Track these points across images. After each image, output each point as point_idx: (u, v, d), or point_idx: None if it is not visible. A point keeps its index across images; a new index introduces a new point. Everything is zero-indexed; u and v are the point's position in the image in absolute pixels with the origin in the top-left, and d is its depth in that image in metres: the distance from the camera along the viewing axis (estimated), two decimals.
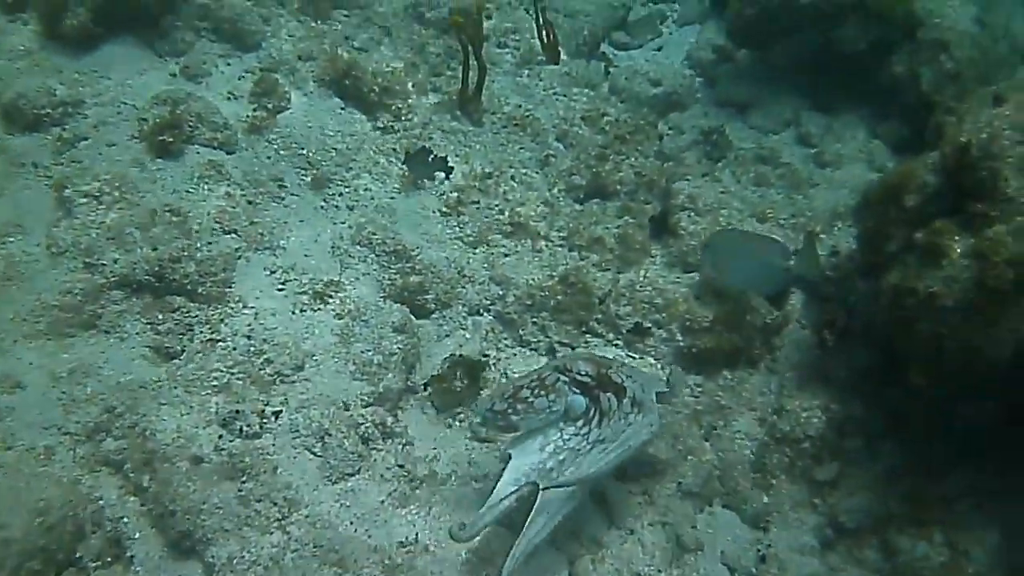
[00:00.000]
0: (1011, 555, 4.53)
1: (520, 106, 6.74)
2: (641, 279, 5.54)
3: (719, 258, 5.22)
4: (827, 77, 7.94)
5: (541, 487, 4.18)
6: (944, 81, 7.33)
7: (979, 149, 4.21)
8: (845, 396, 4.99)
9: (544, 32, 7.20)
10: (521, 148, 6.48)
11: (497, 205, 5.95)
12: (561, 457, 4.28)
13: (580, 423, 4.35)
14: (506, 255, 5.77)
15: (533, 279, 5.55)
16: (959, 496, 4.72)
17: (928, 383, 4.37)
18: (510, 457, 4.33)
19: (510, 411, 4.28)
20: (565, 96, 6.98)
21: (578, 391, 4.35)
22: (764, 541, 4.79)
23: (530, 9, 7.36)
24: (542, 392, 4.29)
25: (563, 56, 7.33)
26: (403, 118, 6.35)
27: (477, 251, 5.77)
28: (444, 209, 5.90)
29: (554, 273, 5.57)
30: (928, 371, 4.35)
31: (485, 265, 5.69)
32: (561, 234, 5.94)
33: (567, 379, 4.36)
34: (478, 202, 5.94)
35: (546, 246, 5.86)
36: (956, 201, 4.34)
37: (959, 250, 4.14)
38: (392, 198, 5.88)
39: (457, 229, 5.83)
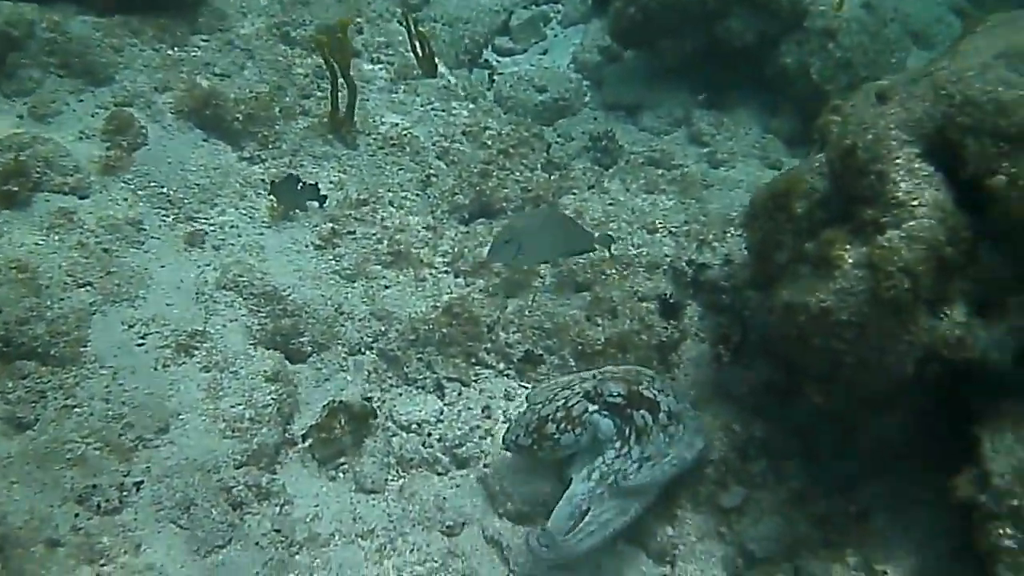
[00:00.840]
0: (929, 562, 4.35)
1: (397, 125, 6.41)
2: (530, 303, 5.26)
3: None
4: (717, 73, 7.77)
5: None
6: (834, 70, 7.22)
7: (865, 151, 3.98)
8: (746, 415, 4.75)
9: (418, 44, 6.88)
10: (400, 169, 6.15)
11: (375, 234, 5.61)
12: (609, 481, 4.17)
13: (619, 444, 4.25)
14: (387, 287, 5.44)
15: (416, 311, 5.23)
16: (872, 510, 4.52)
17: (827, 401, 4.14)
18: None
19: (535, 447, 4.28)
20: (444, 111, 6.66)
21: (607, 413, 4.26)
22: None
23: (403, 21, 7.03)
24: (568, 426, 4.23)
25: (440, 68, 7.01)
26: (271, 146, 5.98)
27: (355, 285, 5.42)
28: (318, 242, 5.54)
29: (438, 303, 5.26)
30: (826, 389, 4.12)
31: (364, 300, 5.35)
32: (445, 260, 5.64)
33: (597, 406, 4.27)
34: (354, 232, 5.59)
35: (430, 274, 5.55)
36: (845, 207, 4.12)
37: (851, 260, 3.90)
38: (261, 234, 5.50)
39: (333, 263, 5.47)
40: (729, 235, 5.63)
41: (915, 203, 3.82)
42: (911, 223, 3.80)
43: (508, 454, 4.62)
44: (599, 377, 4.51)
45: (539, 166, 6.49)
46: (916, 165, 3.89)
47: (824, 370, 4.05)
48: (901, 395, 4.12)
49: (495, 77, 8.14)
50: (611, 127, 7.52)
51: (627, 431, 4.26)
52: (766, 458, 4.65)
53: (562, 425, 4.23)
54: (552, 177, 6.32)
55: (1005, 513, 3.88)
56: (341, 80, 6.02)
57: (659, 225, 5.80)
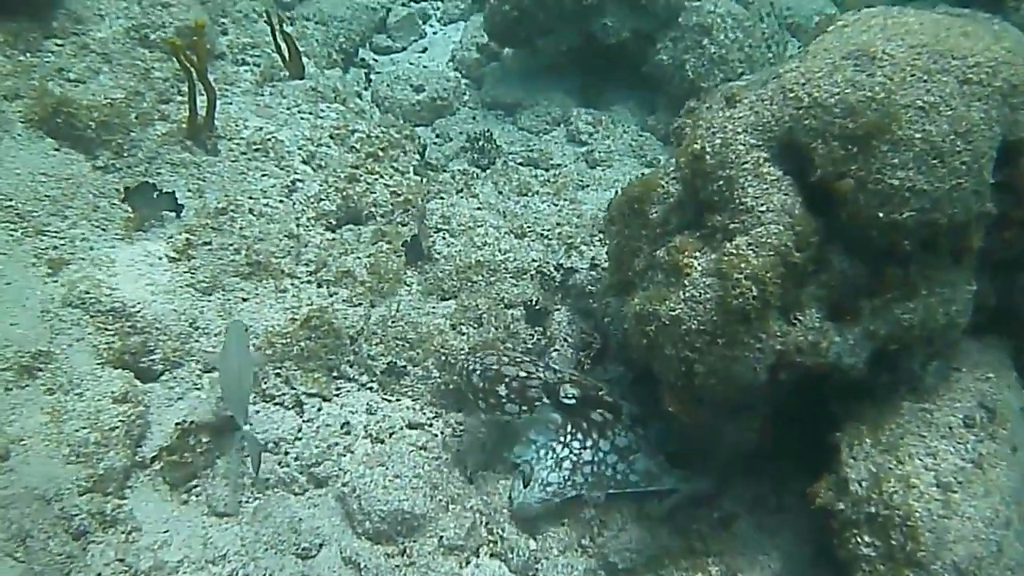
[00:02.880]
0: (792, 568, 4.35)
1: (261, 129, 6.19)
2: (393, 313, 5.13)
3: None
4: (594, 71, 7.71)
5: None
6: (710, 67, 7.20)
7: (714, 156, 3.94)
8: None
9: (284, 45, 6.67)
10: (263, 175, 5.94)
11: (232, 245, 5.40)
12: (587, 470, 4.52)
13: (581, 438, 4.56)
14: (244, 300, 5.25)
15: (274, 324, 5.06)
16: (736, 517, 4.51)
17: (683, 409, 4.09)
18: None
19: (479, 399, 4.55)
20: (311, 114, 6.47)
21: (557, 412, 4.57)
22: None
23: (267, 20, 6.82)
24: (517, 400, 4.50)
25: (310, 68, 6.82)
26: (126, 154, 5.73)
27: (211, 299, 5.22)
28: (172, 254, 5.31)
29: (296, 316, 5.10)
30: (681, 396, 4.07)
31: (221, 314, 5.15)
32: (309, 269, 5.47)
33: (550, 402, 4.54)
34: (210, 243, 5.38)
35: (291, 285, 5.37)
36: (697, 213, 4.07)
37: (700, 268, 3.86)
38: (113, 247, 5.26)
39: (188, 276, 5.24)
40: (598, 238, 5.57)
41: (763, 209, 3.79)
42: (758, 229, 3.77)
43: (368, 469, 4.54)
44: (560, 376, 4.66)
45: (411, 169, 6.36)
46: (764, 170, 3.85)
47: (678, 378, 3.99)
48: (757, 401, 4.10)
49: (372, 76, 7.97)
50: (489, 127, 7.42)
51: (586, 427, 4.56)
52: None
53: (513, 396, 4.49)
54: (423, 180, 6.16)
55: (863, 520, 3.89)
56: (200, 84, 5.80)
57: (528, 229, 5.71)
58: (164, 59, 6.32)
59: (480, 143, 7.14)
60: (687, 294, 3.85)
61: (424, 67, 8.24)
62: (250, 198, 5.73)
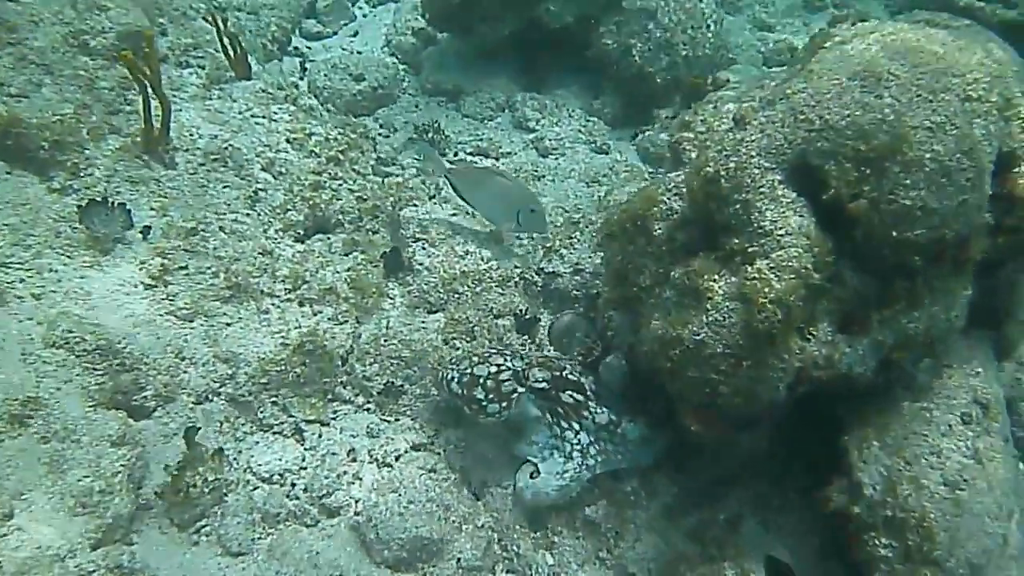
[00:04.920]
0: (800, 564, 4.49)
1: (216, 137, 5.98)
2: (384, 330, 5.08)
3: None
4: (538, 55, 7.66)
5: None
6: (656, 51, 7.23)
7: (729, 180, 3.97)
8: None
9: (228, 43, 6.45)
10: (225, 187, 5.76)
11: (210, 267, 5.25)
12: (592, 451, 4.63)
13: (565, 426, 4.65)
14: (228, 324, 5.12)
15: (265, 351, 4.96)
16: (742, 517, 4.63)
17: (704, 427, 4.18)
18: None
19: (464, 406, 4.65)
20: (264, 117, 6.26)
21: (532, 397, 4.62)
22: None
23: (209, 18, 6.57)
24: (495, 398, 4.56)
25: (255, 67, 6.61)
26: (82, 174, 5.47)
27: (195, 326, 5.07)
28: (148, 280, 5.13)
29: (287, 340, 5.00)
30: (703, 416, 4.15)
31: (206, 341, 5.01)
32: (286, 286, 5.36)
33: (524, 389, 4.59)
34: (187, 266, 5.22)
35: (272, 305, 5.26)
36: (710, 233, 4.12)
37: (722, 292, 3.92)
38: (83, 277, 5.05)
39: (167, 303, 5.08)
40: (575, 240, 5.58)
41: (781, 232, 3.85)
42: (779, 253, 3.83)
43: (381, 497, 4.53)
44: (527, 361, 4.74)
45: (370, 169, 6.27)
46: (780, 192, 3.91)
47: (701, 399, 4.07)
48: (770, 413, 4.21)
49: (307, 65, 7.76)
50: (434, 116, 7.33)
51: (564, 412, 4.64)
52: (636, 476, 4.69)
53: (491, 395, 4.56)
54: (390, 187, 6.05)
55: (880, 523, 4.05)
56: (154, 95, 5.58)
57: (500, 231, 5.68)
58: (107, 66, 6.03)
59: (429, 134, 7.06)
60: (710, 318, 3.91)
61: (358, 53, 8.05)
62: (216, 213, 5.56)
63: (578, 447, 4.61)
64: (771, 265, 3.83)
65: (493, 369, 4.65)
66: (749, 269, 3.86)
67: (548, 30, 7.39)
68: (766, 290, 3.79)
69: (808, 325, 3.94)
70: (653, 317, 4.19)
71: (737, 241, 3.94)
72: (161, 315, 5.05)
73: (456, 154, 7.03)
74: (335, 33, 8.39)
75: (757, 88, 4.54)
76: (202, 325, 5.08)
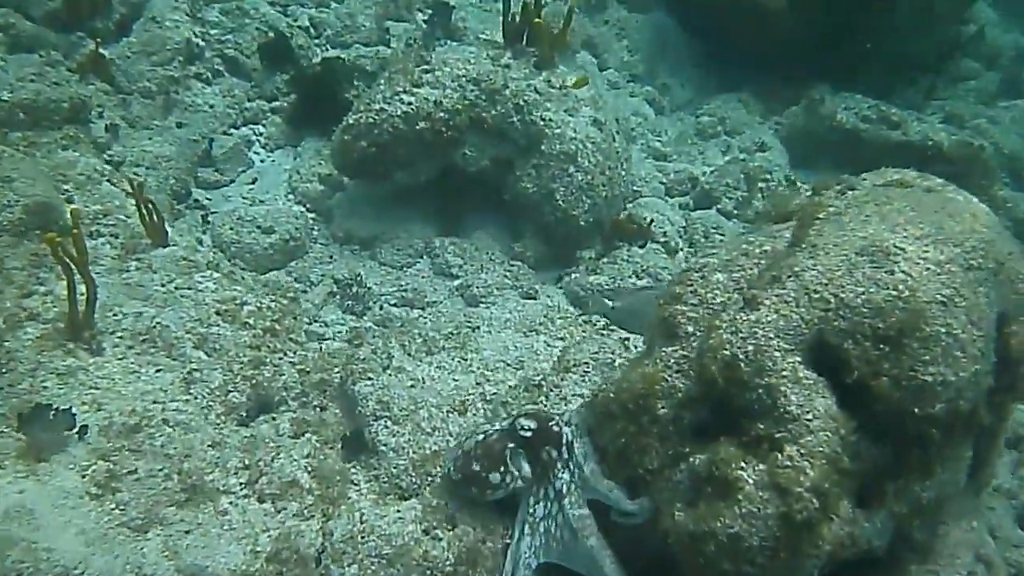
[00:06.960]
0: None
1: (141, 315, 5.55)
2: (359, 526, 4.73)
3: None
4: (450, 197, 7.52)
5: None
6: (578, 194, 7.19)
7: (749, 364, 3.88)
8: None
9: (142, 208, 6.04)
10: (158, 371, 5.32)
11: (161, 469, 4.80)
12: (541, 530, 4.39)
13: (535, 488, 4.48)
14: (187, 532, 4.65)
15: (235, 563, 4.53)
16: None
17: None
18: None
19: (470, 488, 4.58)
20: (190, 288, 5.85)
21: (521, 451, 4.50)
22: None
23: (117, 183, 6.16)
24: (490, 466, 4.49)
25: (171, 233, 6.21)
26: (4, 370, 4.98)
27: (150, 537, 4.58)
28: (93, 489, 4.63)
29: (258, 547, 4.59)
30: None
31: (166, 554, 4.54)
32: (240, 479, 4.95)
33: (514, 443, 4.50)
34: (136, 470, 4.75)
35: (231, 504, 4.83)
36: (724, 414, 4.01)
37: (752, 481, 3.79)
38: (22, 491, 4.52)
39: (118, 513, 4.58)
40: (531, 403, 5.34)
41: (809, 416, 3.79)
42: (808, 438, 3.76)
43: None
44: (517, 414, 4.69)
45: (303, 335, 5.94)
46: (802, 375, 3.86)
47: None
48: None
49: (209, 219, 7.38)
50: (354, 268, 7.07)
51: (538, 471, 4.49)
52: None
53: (486, 464, 4.51)
54: (333, 356, 5.74)
55: None
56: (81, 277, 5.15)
57: (464, 401, 5.42)
58: (15, 243, 5.56)
59: (353, 288, 6.78)
60: (744, 509, 3.77)
61: (261, 202, 7.70)
62: (156, 403, 5.12)
63: (532, 522, 4.49)
64: (802, 451, 3.75)
65: (480, 436, 4.65)
66: (780, 457, 3.76)
67: (465, 174, 7.27)
68: (801, 478, 3.70)
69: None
70: (675, 508, 4.03)
71: (763, 426, 3.84)
72: (112, 528, 4.54)
73: (381, 307, 6.76)
74: (233, 181, 7.99)
75: (743, 256, 4.52)
76: (159, 536, 4.60)
